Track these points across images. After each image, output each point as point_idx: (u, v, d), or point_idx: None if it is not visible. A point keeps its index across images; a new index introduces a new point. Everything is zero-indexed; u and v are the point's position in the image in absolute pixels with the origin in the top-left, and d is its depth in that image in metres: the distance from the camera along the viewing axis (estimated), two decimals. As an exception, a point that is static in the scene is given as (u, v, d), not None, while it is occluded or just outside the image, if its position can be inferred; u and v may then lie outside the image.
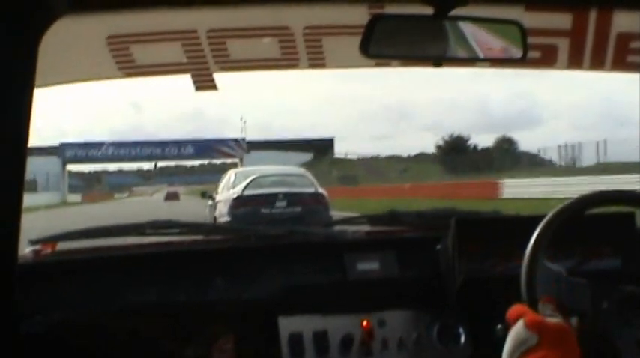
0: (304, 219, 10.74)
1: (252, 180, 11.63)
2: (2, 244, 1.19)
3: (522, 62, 1.65)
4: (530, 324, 1.20)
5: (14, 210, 1.19)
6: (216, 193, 13.07)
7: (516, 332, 1.22)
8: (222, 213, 11.49)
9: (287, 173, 13.68)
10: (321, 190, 12.01)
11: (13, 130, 1.16)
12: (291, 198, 11.42)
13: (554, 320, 1.23)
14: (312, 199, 11.48)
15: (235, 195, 11.37)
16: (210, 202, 13.41)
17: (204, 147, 57.70)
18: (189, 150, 58.20)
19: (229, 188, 12.23)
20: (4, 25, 1.12)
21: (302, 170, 14.71)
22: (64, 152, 55.57)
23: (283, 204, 11.33)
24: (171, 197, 46.04)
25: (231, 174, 13.24)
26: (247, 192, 11.31)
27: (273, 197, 11.36)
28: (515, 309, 1.28)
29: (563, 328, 1.21)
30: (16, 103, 1.15)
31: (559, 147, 39.52)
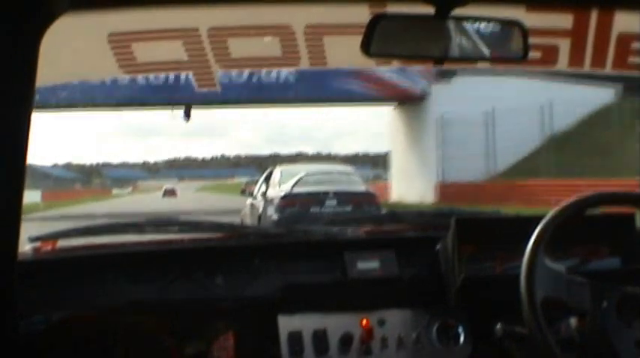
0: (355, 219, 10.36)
1: (301, 177, 11.34)
2: (2, 242, 1.19)
3: (523, 62, 1.65)
4: None
5: (14, 208, 1.19)
6: (264, 189, 12.44)
7: None
8: (268, 212, 11.12)
9: (336, 171, 13.27)
10: (371, 189, 11.89)
11: (13, 128, 1.16)
12: (342, 197, 11.07)
13: None
14: (363, 198, 11.20)
15: (283, 193, 11.05)
16: (249, 200, 12.89)
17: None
18: (297, 88, 23.33)
19: (275, 185, 11.82)
20: (5, 23, 1.12)
21: (350, 168, 14.25)
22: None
23: (333, 203, 11.02)
24: (169, 193, 45.42)
25: (276, 171, 12.73)
26: (296, 190, 11.03)
27: (323, 195, 11.04)
28: None
29: None
30: (16, 102, 1.15)
31: None
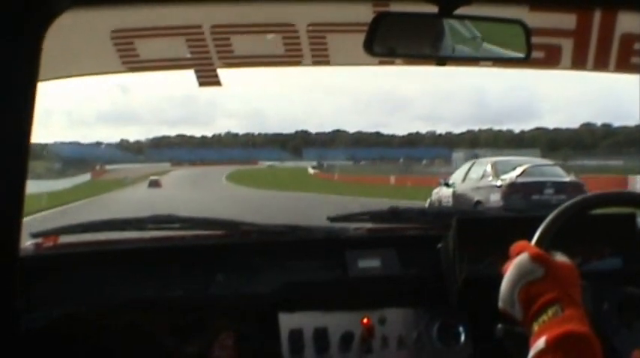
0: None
1: (527, 168, 12.85)
2: (4, 238, 1.20)
3: (526, 62, 1.65)
4: (536, 257, 1.16)
5: (16, 204, 1.20)
6: (475, 179, 13.78)
7: (520, 263, 1.18)
8: (490, 198, 12.56)
9: (544, 163, 15.01)
10: (579, 180, 13.33)
11: (16, 124, 1.16)
12: (558, 187, 12.50)
13: (561, 259, 1.19)
14: (574, 188, 12.22)
15: (508, 182, 12.56)
16: (444, 190, 14.21)
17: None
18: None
19: (488, 176, 13.31)
20: (7, 20, 1.12)
21: (550, 162, 15.87)
22: None
23: (551, 191, 12.39)
24: (154, 184, 43.95)
25: (483, 163, 14.26)
26: (520, 180, 12.51)
27: (543, 185, 12.51)
28: (519, 244, 1.24)
29: (569, 266, 1.17)
30: (19, 99, 1.16)
31: None
